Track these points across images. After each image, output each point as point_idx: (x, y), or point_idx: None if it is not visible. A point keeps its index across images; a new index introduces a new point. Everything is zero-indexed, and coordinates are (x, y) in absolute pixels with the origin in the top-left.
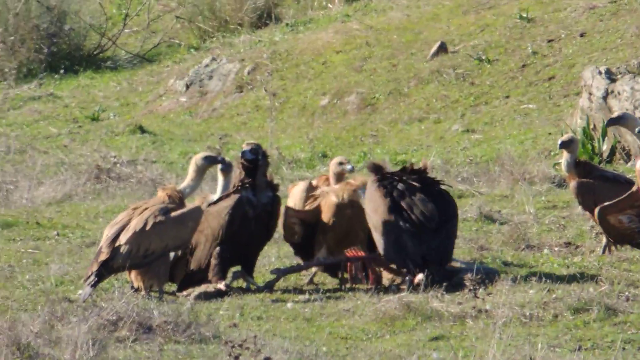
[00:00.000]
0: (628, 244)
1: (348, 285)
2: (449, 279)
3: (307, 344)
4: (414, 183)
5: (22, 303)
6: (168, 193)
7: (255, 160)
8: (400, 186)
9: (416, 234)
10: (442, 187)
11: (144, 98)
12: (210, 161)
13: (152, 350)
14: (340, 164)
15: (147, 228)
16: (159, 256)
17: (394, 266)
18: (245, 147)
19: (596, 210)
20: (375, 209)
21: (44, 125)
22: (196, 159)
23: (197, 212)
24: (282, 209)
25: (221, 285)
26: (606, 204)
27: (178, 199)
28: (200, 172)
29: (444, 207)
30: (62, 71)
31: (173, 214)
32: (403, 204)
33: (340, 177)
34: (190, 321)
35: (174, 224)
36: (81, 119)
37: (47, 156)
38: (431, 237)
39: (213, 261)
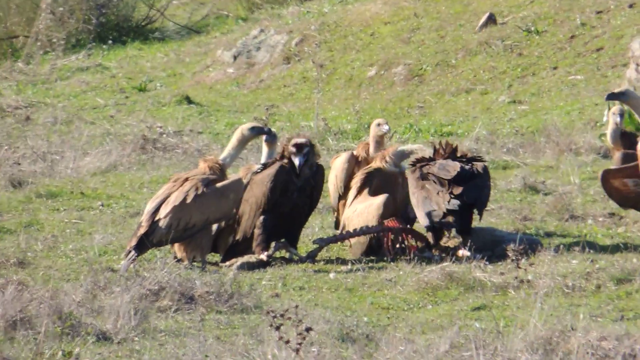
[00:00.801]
0: (632, 208)
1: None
2: (491, 248)
3: (348, 315)
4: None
5: (65, 273)
6: (209, 164)
7: (304, 164)
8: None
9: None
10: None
11: (191, 69)
12: (257, 132)
13: (193, 320)
14: (378, 125)
15: (188, 201)
16: (200, 229)
17: (430, 239)
18: (296, 156)
19: (600, 173)
20: (410, 191)
21: (91, 96)
22: (242, 129)
23: (238, 184)
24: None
25: (263, 256)
26: (611, 167)
27: (219, 170)
28: (244, 142)
29: (470, 167)
30: (110, 42)
31: (213, 186)
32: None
33: (380, 140)
34: (233, 291)
35: (214, 197)
36: (128, 89)
37: (94, 127)
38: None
39: (256, 231)
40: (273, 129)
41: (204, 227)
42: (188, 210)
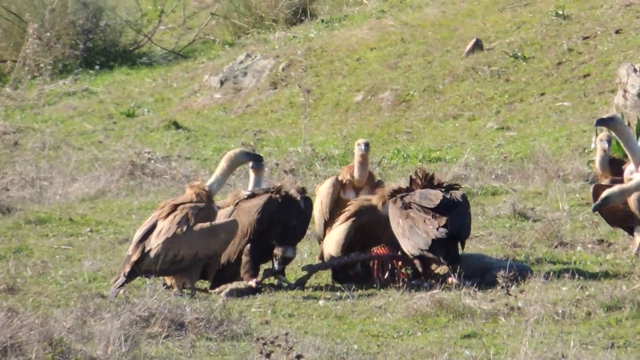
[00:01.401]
0: (619, 226)
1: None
2: (480, 275)
3: (338, 342)
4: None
5: (55, 299)
6: (195, 191)
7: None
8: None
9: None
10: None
11: (179, 94)
12: (249, 157)
13: (184, 347)
14: (358, 144)
15: (179, 234)
16: (188, 265)
17: (419, 267)
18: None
19: (591, 187)
20: (393, 221)
21: (79, 121)
22: (235, 153)
23: (232, 225)
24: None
25: (252, 283)
26: (603, 183)
27: (205, 196)
28: (233, 167)
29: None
30: (97, 67)
31: (206, 223)
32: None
33: (363, 161)
34: (222, 318)
35: (205, 234)
36: (116, 115)
37: (82, 152)
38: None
39: (244, 258)
40: (261, 156)
41: (193, 264)
42: (177, 242)
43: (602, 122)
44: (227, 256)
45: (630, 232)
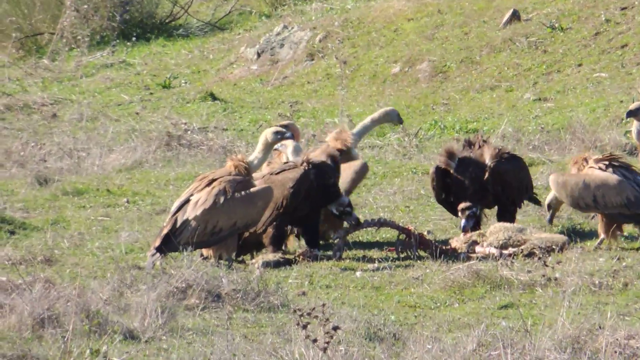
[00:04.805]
0: None
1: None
2: None
3: (375, 313)
4: None
5: (92, 270)
6: (235, 164)
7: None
8: None
9: None
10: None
11: (215, 66)
12: (280, 136)
13: (220, 318)
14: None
15: (217, 205)
16: (227, 235)
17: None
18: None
19: None
20: None
21: (116, 93)
22: (266, 134)
23: (267, 192)
24: None
25: (276, 257)
26: None
27: (245, 170)
28: (270, 146)
29: None
30: (134, 39)
31: (242, 192)
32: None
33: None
34: (259, 290)
35: (243, 203)
36: (153, 86)
37: (119, 123)
38: None
39: (271, 229)
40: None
41: (231, 234)
42: (216, 213)
43: (630, 113)
44: (256, 226)
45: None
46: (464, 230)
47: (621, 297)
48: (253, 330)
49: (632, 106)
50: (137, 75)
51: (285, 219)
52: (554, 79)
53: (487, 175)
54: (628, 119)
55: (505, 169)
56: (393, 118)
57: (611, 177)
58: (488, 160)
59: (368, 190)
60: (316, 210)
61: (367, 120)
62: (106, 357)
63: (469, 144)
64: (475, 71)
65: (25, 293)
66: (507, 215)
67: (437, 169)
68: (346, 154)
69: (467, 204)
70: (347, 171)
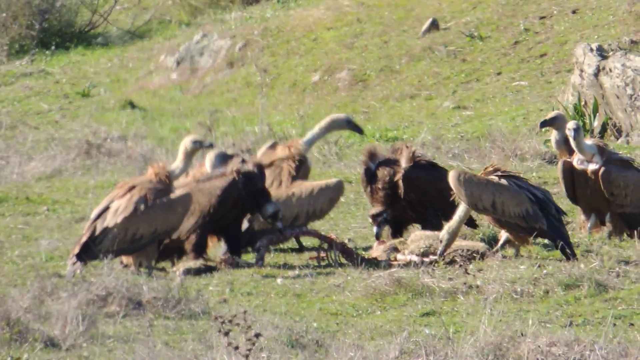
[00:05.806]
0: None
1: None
2: None
3: (297, 320)
4: None
5: (12, 278)
6: (156, 172)
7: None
8: None
9: None
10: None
11: (135, 74)
12: (199, 145)
13: (142, 326)
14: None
15: (137, 212)
16: (147, 243)
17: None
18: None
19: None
20: None
21: (35, 101)
22: (185, 142)
23: (187, 199)
24: None
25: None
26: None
27: (166, 178)
28: (190, 155)
29: None
30: (53, 47)
31: (162, 198)
32: None
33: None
34: (180, 297)
35: (163, 209)
36: (72, 94)
37: (38, 132)
38: None
39: (194, 236)
40: (212, 141)
41: (151, 241)
42: (136, 221)
43: (545, 123)
44: (179, 233)
45: (602, 222)
46: (377, 237)
47: (542, 304)
48: (174, 338)
49: (548, 116)
50: (56, 83)
51: (209, 226)
52: (474, 87)
53: (397, 178)
54: (542, 129)
55: (418, 175)
56: (342, 125)
57: (512, 187)
58: (403, 164)
59: None
60: (240, 218)
61: (315, 128)
62: None
63: (394, 150)
64: (395, 80)
65: None
66: (428, 226)
67: (365, 170)
68: (302, 164)
69: (378, 209)
70: (323, 190)
